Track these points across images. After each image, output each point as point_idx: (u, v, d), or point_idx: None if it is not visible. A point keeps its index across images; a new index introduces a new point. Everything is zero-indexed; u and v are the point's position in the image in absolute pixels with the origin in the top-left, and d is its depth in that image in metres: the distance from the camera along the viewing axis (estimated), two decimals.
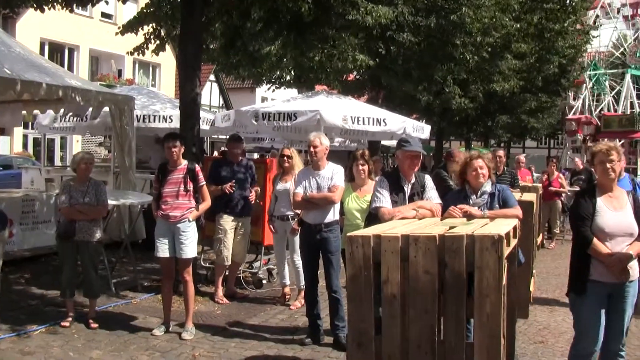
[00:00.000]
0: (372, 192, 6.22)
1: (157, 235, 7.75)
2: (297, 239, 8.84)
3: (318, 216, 7.35)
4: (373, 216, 5.83)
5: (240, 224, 9.72)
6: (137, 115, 14.15)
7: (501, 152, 11.60)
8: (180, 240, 7.69)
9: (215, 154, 25.86)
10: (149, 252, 9.35)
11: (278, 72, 21.27)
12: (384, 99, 21.53)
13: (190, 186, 7.66)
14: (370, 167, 7.48)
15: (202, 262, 10.93)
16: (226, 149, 10.00)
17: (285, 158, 9.09)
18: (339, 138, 18.67)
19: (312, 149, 7.28)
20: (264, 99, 45.28)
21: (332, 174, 7.39)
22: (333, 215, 7.40)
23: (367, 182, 7.46)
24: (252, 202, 9.83)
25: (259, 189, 10.13)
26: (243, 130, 13.52)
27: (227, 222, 9.71)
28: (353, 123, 12.39)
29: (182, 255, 7.71)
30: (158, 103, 15.81)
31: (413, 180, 5.93)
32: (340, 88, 20.16)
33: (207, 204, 7.94)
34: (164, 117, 14.80)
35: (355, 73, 21.08)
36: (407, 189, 5.97)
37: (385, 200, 5.81)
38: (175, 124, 13.43)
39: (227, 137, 10.13)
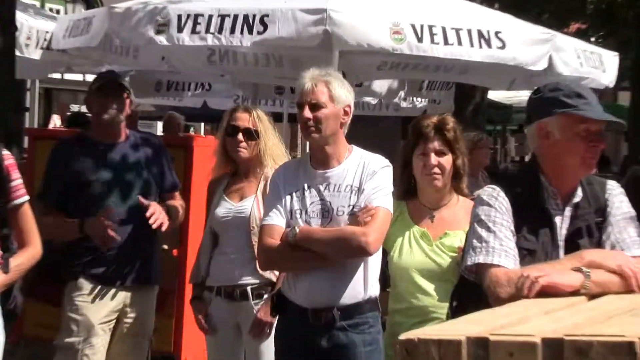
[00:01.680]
0: (464, 229, 3.76)
1: None
2: (267, 347, 4.98)
3: (324, 290, 4.27)
4: (469, 287, 3.31)
5: (129, 307, 5.33)
6: None
7: None
8: None
9: (56, 121, 18.42)
10: None
11: None
12: None
13: None
14: (460, 160, 4.46)
15: None
16: (87, 108, 5.79)
17: (241, 136, 5.03)
18: (379, 83, 10.39)
19: (306, 114, 4.24)
20: None
21: (362, 176, 4.28)
22: (364, 286, 4.28)
23: (448, 200, 4.47)
24: (162, 229, 5.28)
25: (175, 208, 5.50)
26: (130, 61, 8.10)
27: (95, 305, 5.19)
28: (419, 41, 6.63)
29: None
30: None
31: (578, 198, 3.24)
32: None
33: (32, 253, 4.41)
34: None
35: None
36: (563, 217, 3.22)
37: (499, 249, 3.17)
38: None
39: (93, 77, 6.07)
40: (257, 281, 4.95)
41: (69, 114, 15.47)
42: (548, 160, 3.30)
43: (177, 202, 5.51)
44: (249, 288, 4.95)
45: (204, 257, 5.16)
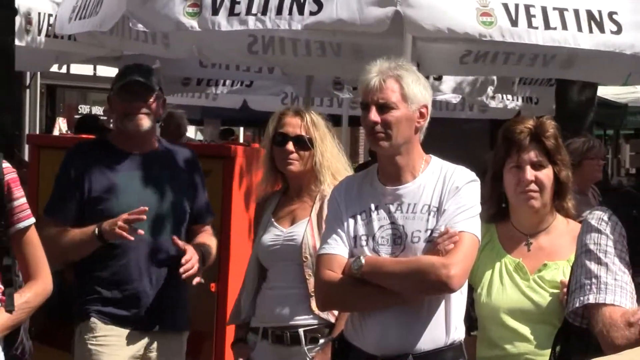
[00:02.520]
0: (568, 259, 4.09)
1: None
2: None
3: (398, 334, 4.34)
4: (575, 329, 3.52)
5: (149, 352, 5.56)
6: None
7: None
8: None
9: (61, 126, 19.45)
10: None
11: None
12: None
13: None
14: (563, 174, 4.57)
15: None
16: (106, 112, 6.03)
17: (291, 145, 5.22)
18: (461, 77, 10.48)
19: (372, 117, 4.34)
20: None
21: (442, 194, 4.34)
22: (446, 329, 4.41)
23: (549, 224, 4.60)
24: (193, 283, 5.49)
25: (208, 250, 5.70)
26: (156, 49, 8.04)
27: (112, 351, 5.41)
28: (513, 24, 6.63)
29: None
30: None
31: None
32: None
33: (41, 288, 4.56)
34: None
35: None
36: None
37: (614, 285, 3.34)
38: None
39: (105, 69, 6.17)
40: (312, 322, 5.12)
41: (77, 117, 15.79)
42: None
43: (211, 239, 5.67)
44: (301, 330, 5.13)
45: (248, 292, 5.34)
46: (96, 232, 5.26)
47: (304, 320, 5.16)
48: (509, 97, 12.29)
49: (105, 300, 5.40)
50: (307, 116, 5.33)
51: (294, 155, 5.20)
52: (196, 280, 5.47)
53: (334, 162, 5.25)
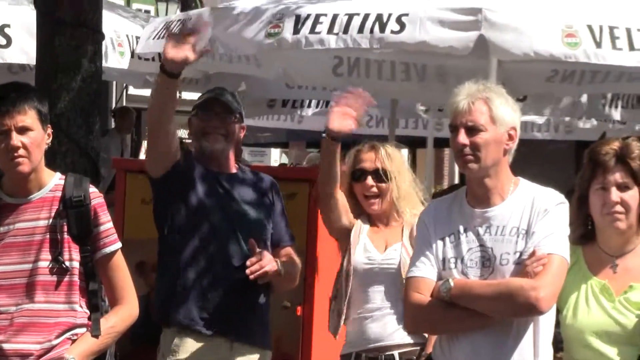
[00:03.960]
0: None
1: None
2: None
3: (488, 355, 4.28)
4: None
5: None
6: None
7: None
8: None
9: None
10: None
11: None
12: None
13: (74, 255, 4.41)
14: (629, 197, 4.36)
15: None
16: (188, 133, 5.93)
17: (371, 180, 5.23)
18: (550, 109, 10.91)
19: (461, 140, 4.30)
20: None
21: (531, 216, 4.27)
22: (534, 352, 4.34)
23: (635, 245, 4.44)
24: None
25: (291, 263, 5.56)
26: (240, 68, 8.25)
27: (193, 357, 5.36)
28: (598, 46, 6.67)
29: None
30: None
31: None
32: None
33: (127, 313, 4.59)
34: None
35: None
36: None
37: None
38: (22, 51, 7.98)
39: (191, 94, 6.06)
40: (405, 343, 5.11)
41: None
42: None
43: (292, 258, 5.55)
44: (396, 353, 5.13)
45: (336, 310, 5.41)
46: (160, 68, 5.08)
47: (398, 341, 5.18)
48: (596, 117, 12.09)
49: (187, 310, 5.35)
50: (383, 150, 5.36)
51: (374, 189, 5.23)
52: (264, 279, 5.23)
53: (410, 194, 5.31)
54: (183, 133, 9.30)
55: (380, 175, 5.21)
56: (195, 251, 5.33)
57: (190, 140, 5.89)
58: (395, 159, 5.32)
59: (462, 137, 4.22)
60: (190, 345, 5.33)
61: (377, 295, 5.20)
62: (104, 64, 7.27)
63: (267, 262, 5.19)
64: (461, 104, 4.30)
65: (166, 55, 4.94)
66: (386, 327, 5.17)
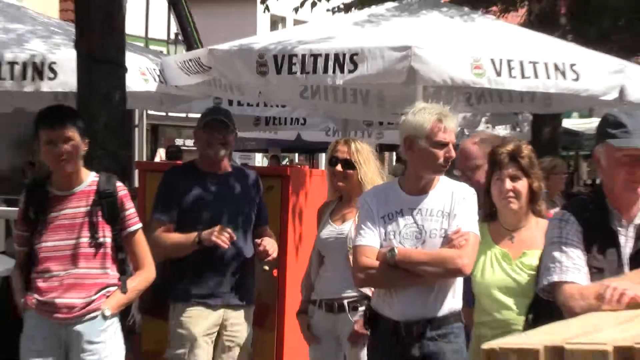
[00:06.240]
0: (541, 248, 3.53)
1: (27, 350, 4.46)
2: (365, 356, 4.83)
3: (416, 305, 4.23)
4: (545, 303, 3.41)
5: (228, 323, 5.29)
6: None
7: None
8: None
9: (162, 154, 18.30)
10: None
11: None
12: (571, 17, 11.15)
13: (107, 233, 4.46)
14: (536, 184, 4.32)
15: None
16: (194, 143, 5.76)
17: (340, 167, 5.08)
18: (464, 114, 9.30)
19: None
20: (274, 22, 24.46)
21: (452, 202, 4.25)
22: (452, 301, 4.29)
23: (525, 223, 4.33)
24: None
25: (273, 240, 5.42)
26: (230, 95, 8.01)
27: (197, 321, 5.16)
28: (498, 75, 6.46)
29: None
30: (24, 31, 7.67)
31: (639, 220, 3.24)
32: None
33: (146, 275, 4.61)
34: (36, 66, 6.87)
35: None
36: (626, 236, 3.26)
37: (572, 267, 3.20)
38: (65, 82, 7.31)
39: (200, 114, 5.72)
40: (354, 294, 5.03)
41: (169, 148, 15.52)
42: (605, 185, 3.39)
43: (272, 237, 5.47)
44: (345, 301, 5.05)
45: (308, 276, 5.29)
46: (197, 239, 5.03)
47: (347, 293, 5.05)
48: (500, 126, 12.10)
49: (194, 284, 5.22)
50: (354, 144, 5.25)
51: (341, 173, 5.14)
52: (270, 257, 5.27)
53: (375, 179, 5.14)
54: (190, 142, 9.25)
55: (349, 163, 5.10)
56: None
57: (188, 148, 5.71)
58: (363, 152, 5.21)
59: (452, 152, 4.20)
60: (194, 312, 5.21)
61: (334, 259, 5.11)
62: (130, 89, 7.07)
63: (272, 246, 5.20)
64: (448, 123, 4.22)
65: (217, 243, 4.93)
66: (339, 282, 5.07)
